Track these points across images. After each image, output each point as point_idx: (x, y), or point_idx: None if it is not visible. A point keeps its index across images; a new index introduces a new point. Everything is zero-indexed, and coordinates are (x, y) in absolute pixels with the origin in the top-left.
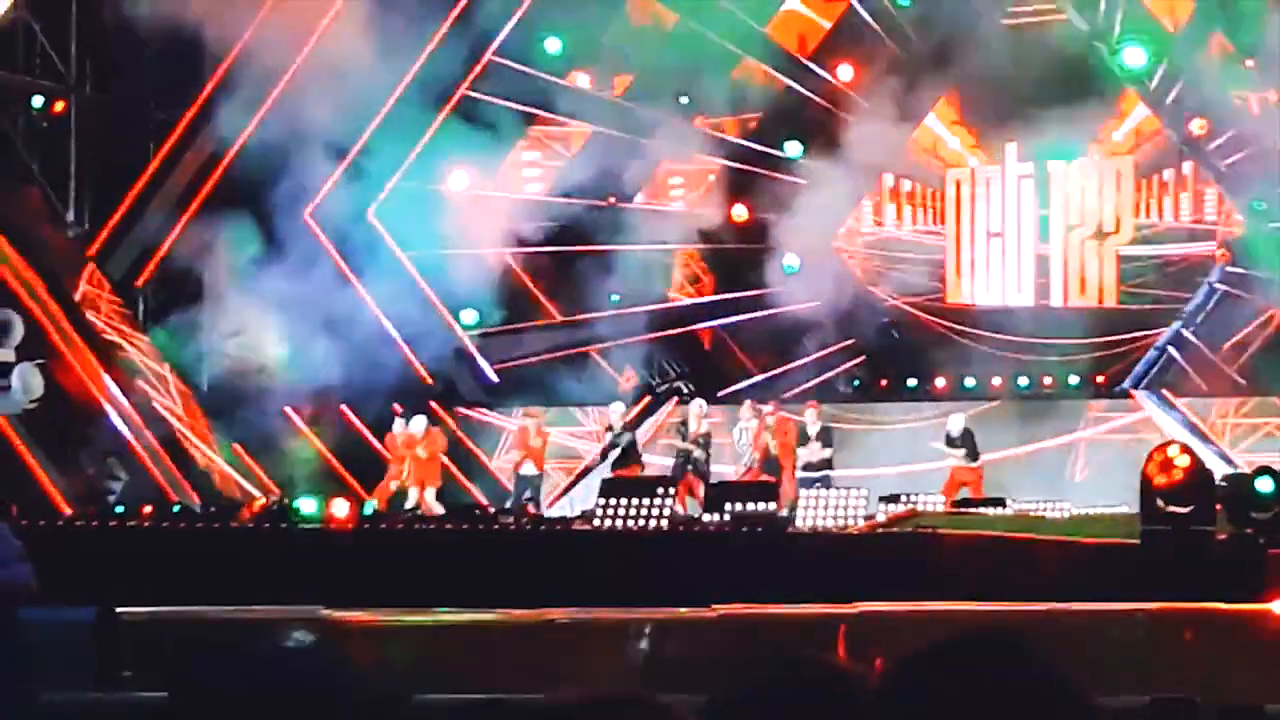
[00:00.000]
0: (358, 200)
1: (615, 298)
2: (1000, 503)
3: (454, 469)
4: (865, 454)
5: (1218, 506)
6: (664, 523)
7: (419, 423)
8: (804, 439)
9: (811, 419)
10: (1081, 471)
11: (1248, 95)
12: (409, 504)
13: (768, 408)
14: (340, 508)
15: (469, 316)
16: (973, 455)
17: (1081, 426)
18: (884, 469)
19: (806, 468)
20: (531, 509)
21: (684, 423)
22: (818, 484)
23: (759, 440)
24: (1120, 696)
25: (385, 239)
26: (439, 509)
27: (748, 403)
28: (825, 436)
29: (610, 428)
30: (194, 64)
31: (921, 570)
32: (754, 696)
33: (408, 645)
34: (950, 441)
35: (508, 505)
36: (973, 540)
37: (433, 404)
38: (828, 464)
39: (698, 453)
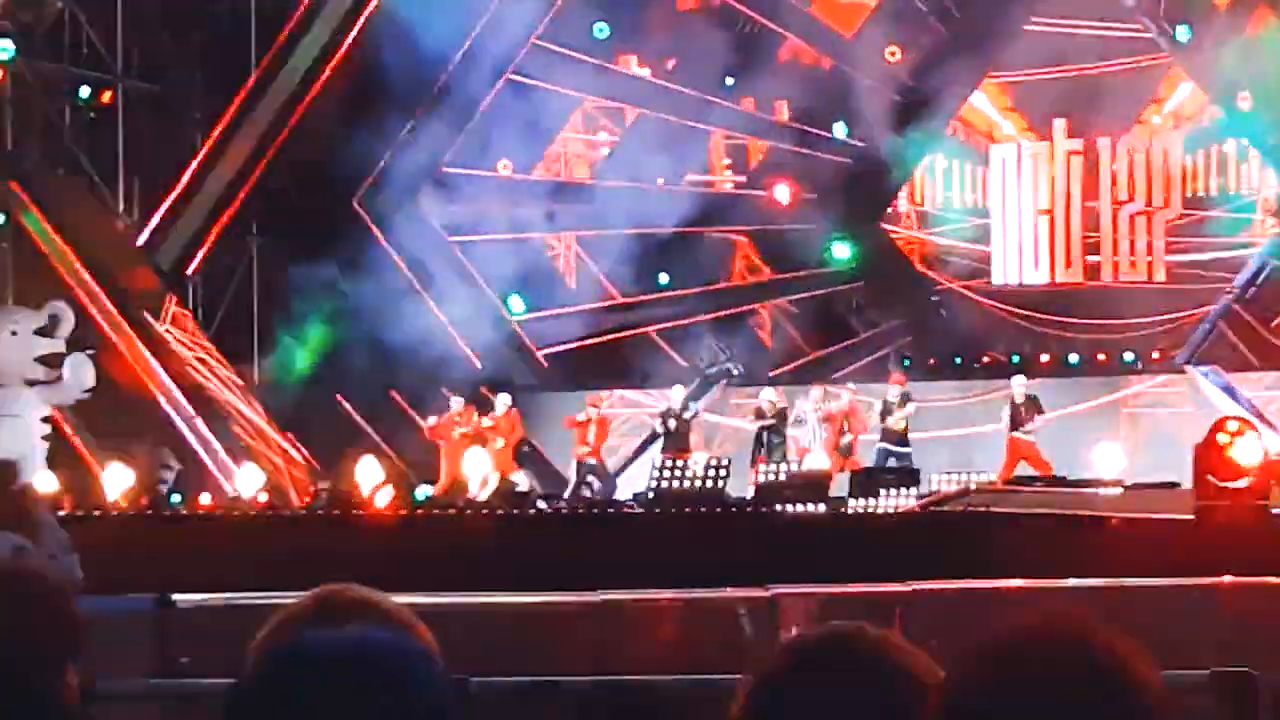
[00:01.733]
0: (405, 186)
1: (665, 279)
2: (1062, 481)
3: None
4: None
5: (1273, 481)
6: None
7: (504, 400)
8: (888, 411)
9: (895, 393)
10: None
11: None
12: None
13: (851, 388)
14: (384, 496)
15: (517, 301)
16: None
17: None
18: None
19: (886, 437)
20: (585, 493)
21: (760, 410)
22: (896, 458)
23: (836, 424)
24: (1178, 671)
25: (431, 224)
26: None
27: (821, 389)
28: (904, 401)
29: (668, 411)
30: (241, 52)
31: (975, 548)
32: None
33: (461, 629)
34: (1016, 411)
35: (566, 494)
36: (1027, 517)
37: (483, 389)
38: (905, 434)
39: (775, 436)
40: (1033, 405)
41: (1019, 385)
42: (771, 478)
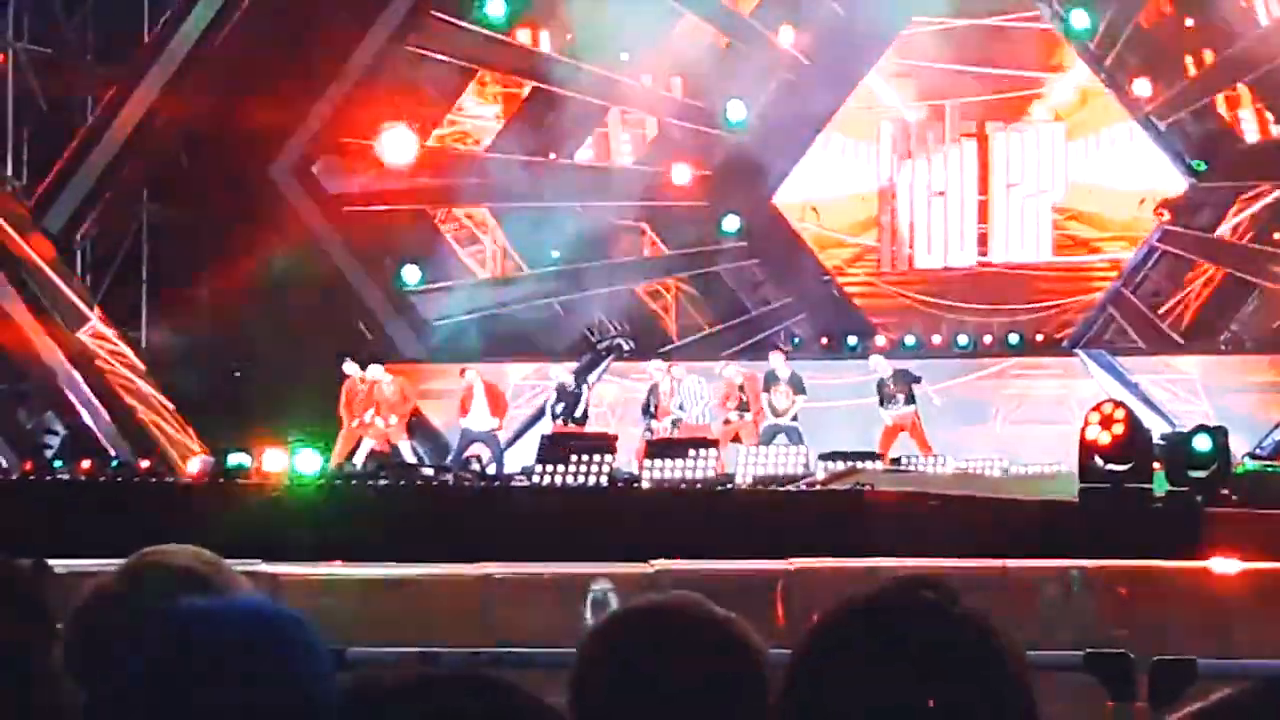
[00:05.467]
0: (301, 155)
1: (556, 254)
2: (945, 462)
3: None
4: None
5: (1156, 465)
6: (603, 479)
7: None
8: (773, 381)
9: (779, 363)
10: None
11: (1186, 55)
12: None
13: (741, 365)
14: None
15: (410, 273)
16: (909, 400)
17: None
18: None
19: (776, 413)
20: (476, 465)
21: (653, 387)
22: (785, 433)
23: (733, 396)
24: (1056, 652)
25: (325, 193)
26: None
27: (727, 364)
28: (797, 383)
29: (561, 385)
30: (135, 17)
31: (859, 527)
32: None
33: (346, 599)
34: (883, 388)
35: (448, 460)
36: (910, 497)
37: (372, 360)
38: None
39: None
40: (900, 380)
41: (880, 363)
42: (659, 436)
